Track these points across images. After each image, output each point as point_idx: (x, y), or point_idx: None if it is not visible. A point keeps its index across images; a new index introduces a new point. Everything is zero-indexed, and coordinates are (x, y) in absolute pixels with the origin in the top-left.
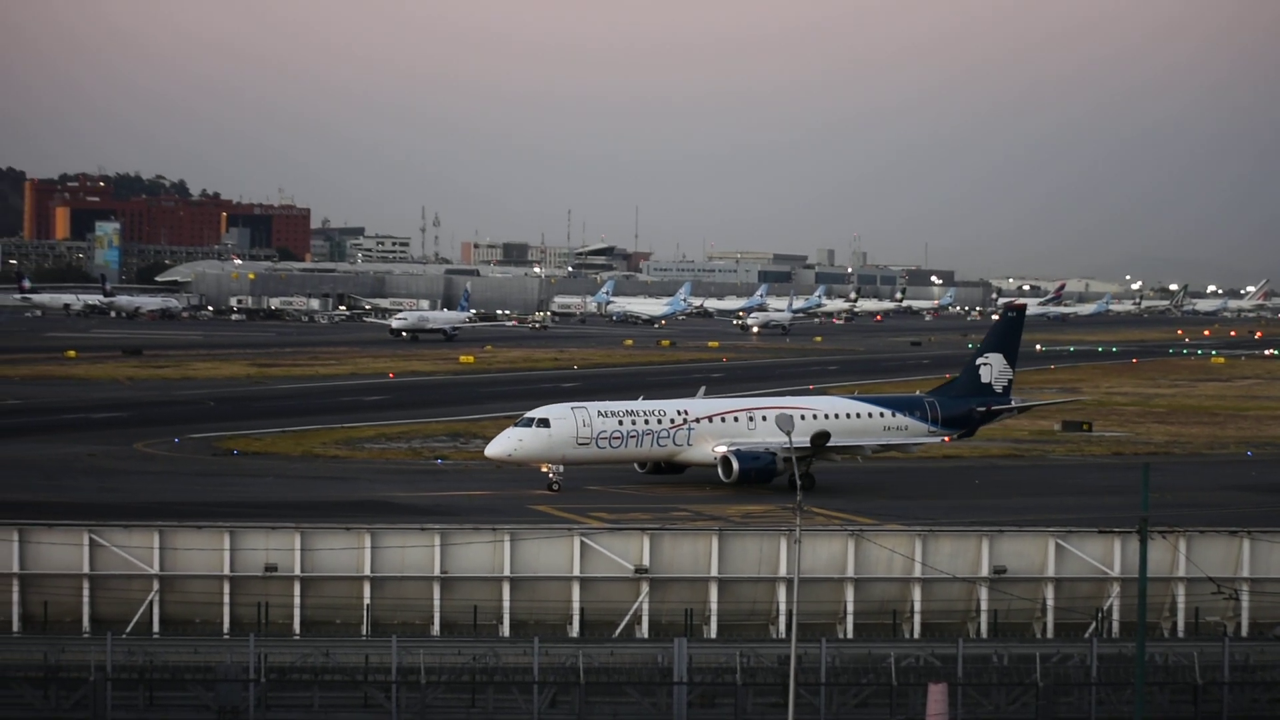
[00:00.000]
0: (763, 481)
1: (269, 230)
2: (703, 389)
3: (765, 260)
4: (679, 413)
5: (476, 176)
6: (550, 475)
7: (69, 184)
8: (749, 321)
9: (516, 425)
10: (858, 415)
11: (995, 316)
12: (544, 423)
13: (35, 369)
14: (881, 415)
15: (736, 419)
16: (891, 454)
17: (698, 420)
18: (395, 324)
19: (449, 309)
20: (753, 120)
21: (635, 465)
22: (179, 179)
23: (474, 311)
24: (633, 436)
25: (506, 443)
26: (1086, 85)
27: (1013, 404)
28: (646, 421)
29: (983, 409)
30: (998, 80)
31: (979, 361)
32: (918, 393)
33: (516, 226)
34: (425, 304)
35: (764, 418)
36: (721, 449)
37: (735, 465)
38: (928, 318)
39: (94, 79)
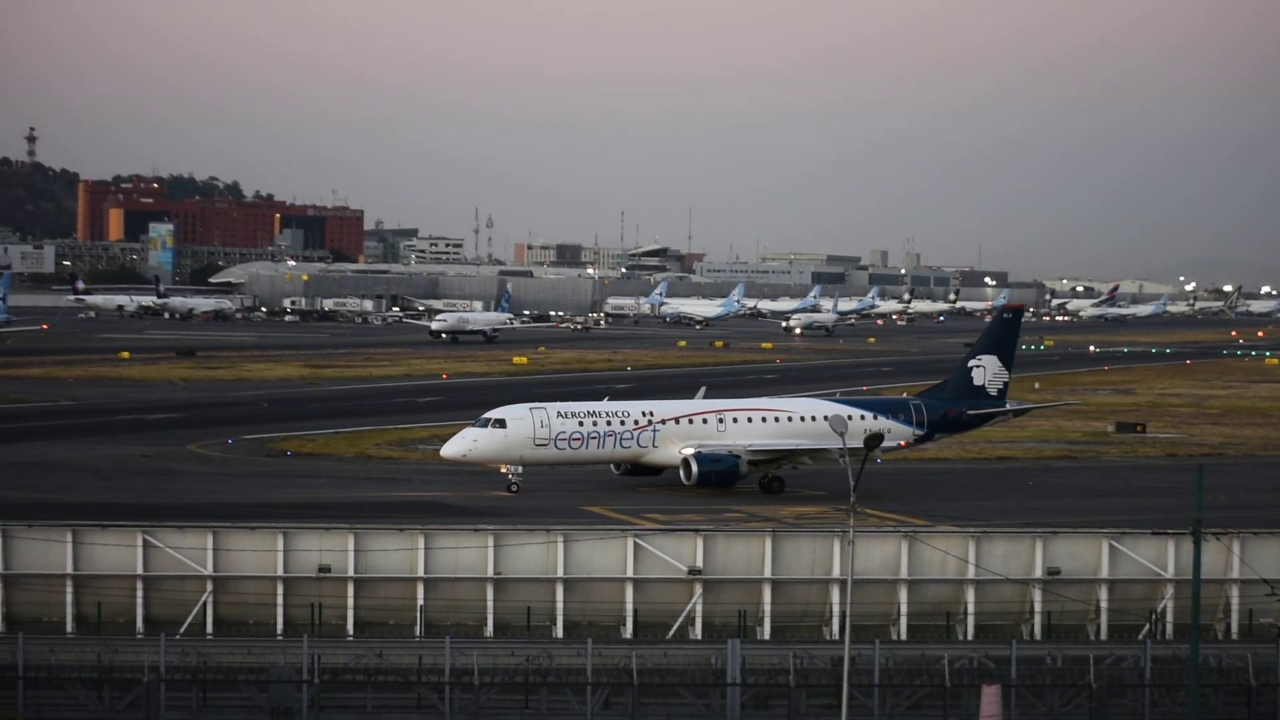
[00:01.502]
0: (724, 485)
1: (322, 232)
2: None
3: (819, 262)
4: (644, 414)
5: (530, 178)
6: (509, 476)
7: (123, 185)
8: (790, 323)
9: (473, 425)
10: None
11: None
12: (500, 423)
13: (89, 370)
14: (862, 418)
15: (705, 420)
16: (926, 454)
17: (663, 422)
18: (434, 326)
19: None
20: (806, 124)
21: (611, 466)
22: (232, 180)
23: (528, 313)
24: (594, 438)
25: (461, 443)
26: (1137, 86)
27: (1008, 407)
28: (609, 423)
29: (973, 412)
30: (1050, 84)
31: (971, 364)
32: (904, 395)
33: (570, 228)
34: (479, 305)
35: (734, 419)
36: (689, 451)
37: (694, 468)
38: (988, 319)
39: (147, 81)
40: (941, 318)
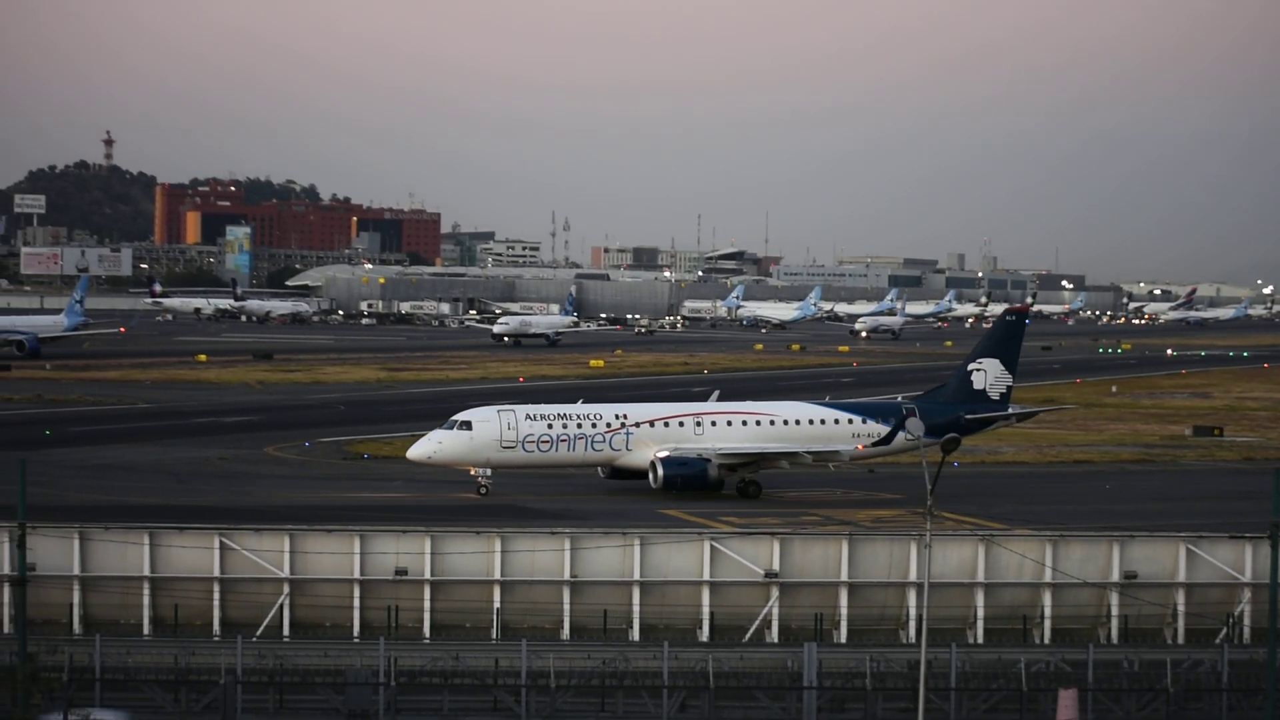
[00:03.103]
0: (692, 489)
1: (399, 235)
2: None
3: (896, 265)
4: (617, 416)
5: (606, 181)
6: (478, 479)
7: (200, 189)
8: (858, 326)
9: (441, 428)
10: (821, 421)
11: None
12: (466, 425)
13: (166, 373)
14: (850, 422)
15: (682, 424)
16: (1003, 458)
17: (637, 425)
18: (497, 329)
19: (579, 313)
20: (884, 124)
21: (598, 470)
22: (310, 183)
23: (605, 316)
24: (563, 441)
25: (427, 445)
26: (1214, 91)
27: (1010, 411)
28: (579, 425)
29: (971, 416)
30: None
31: (971, 367)
32: (898, 399)
33: (646, 231)
34: (555, 308)
35: (712, 423)
36: (665, 454)
37: (660, 471)
38: (1070, 322)
39: (225, 85)
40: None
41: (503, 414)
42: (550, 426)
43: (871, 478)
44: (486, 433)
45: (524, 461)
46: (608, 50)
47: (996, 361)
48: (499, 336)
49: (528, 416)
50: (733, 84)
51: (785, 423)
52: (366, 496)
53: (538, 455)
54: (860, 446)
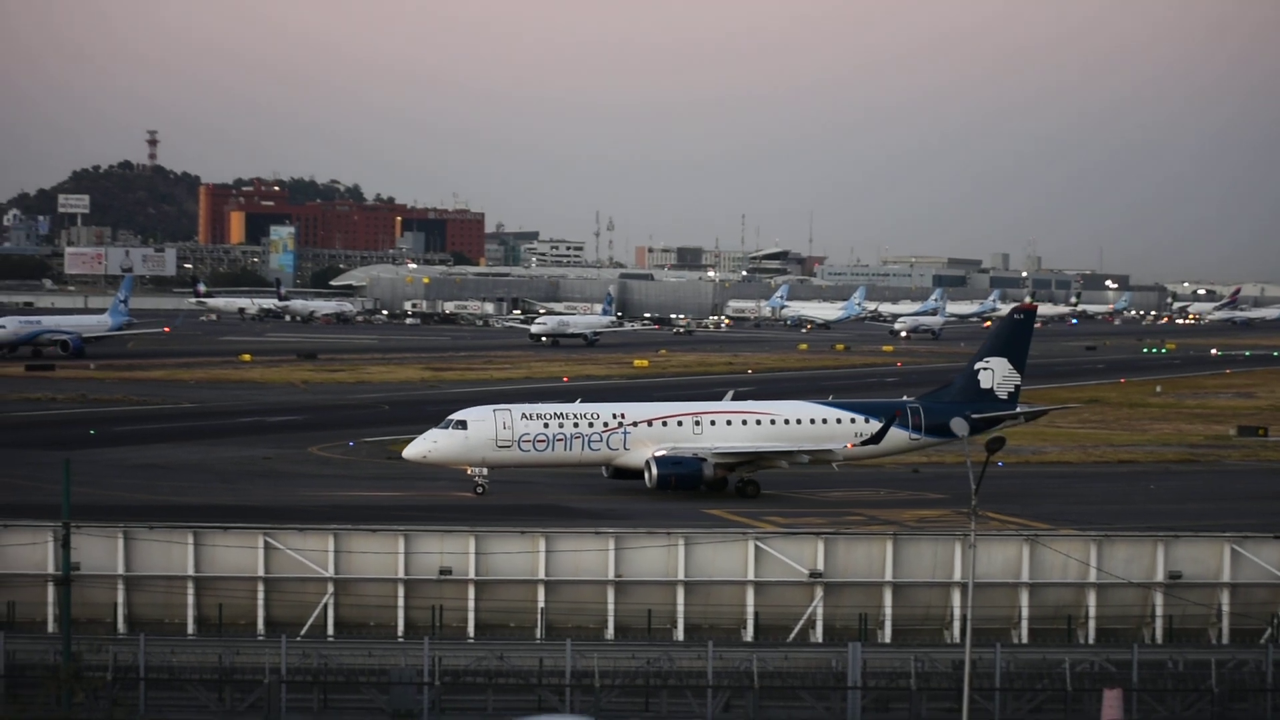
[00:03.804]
0: (686, 488)
1: (443, 235)
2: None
3: (940, 265)
4: (614, 416)
5: (650, 181)
6: (475, 478)
7: (244, 189)
8: (898, 326)
9: (436, 427)
10: (823, 421)
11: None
12: (461, 424)
13: (211, 373)
14: (853, 421)
15: (680, 423)
16: (1048, 458)
17: (635, 424)
18: (534, 329)
19: (623, 313)
20: (930, 127)
21: (602, 469)
22: (353, 184)
23: (649, 316)
24: (559, 440)
25: (423, 444)
26: (1260, 89)
27: (1018, 410)
28: (576, 425)
29: (978, 415)
30: (1169, 90)
31: (978, 366)
32: (904, 398)
33: (690, 231)
34: (599, 308)
35: (711, 422)
36: (661, 453)
37: (654, 470)
38: (1116, 322)
39: (269, 85)
40: (1074, 320)
41: (498, 413)
42: (546, 426)
43: (916, 477)
44: (482, 432)
45: (520, 461)
46: (648, 49)
47: (1004, 360)
48: (537, 336)
49: (524, 416)
50: (778, 88)
51: (786, 422)
52: (360, 495)
53: (534, 455)
54: (850, 445)
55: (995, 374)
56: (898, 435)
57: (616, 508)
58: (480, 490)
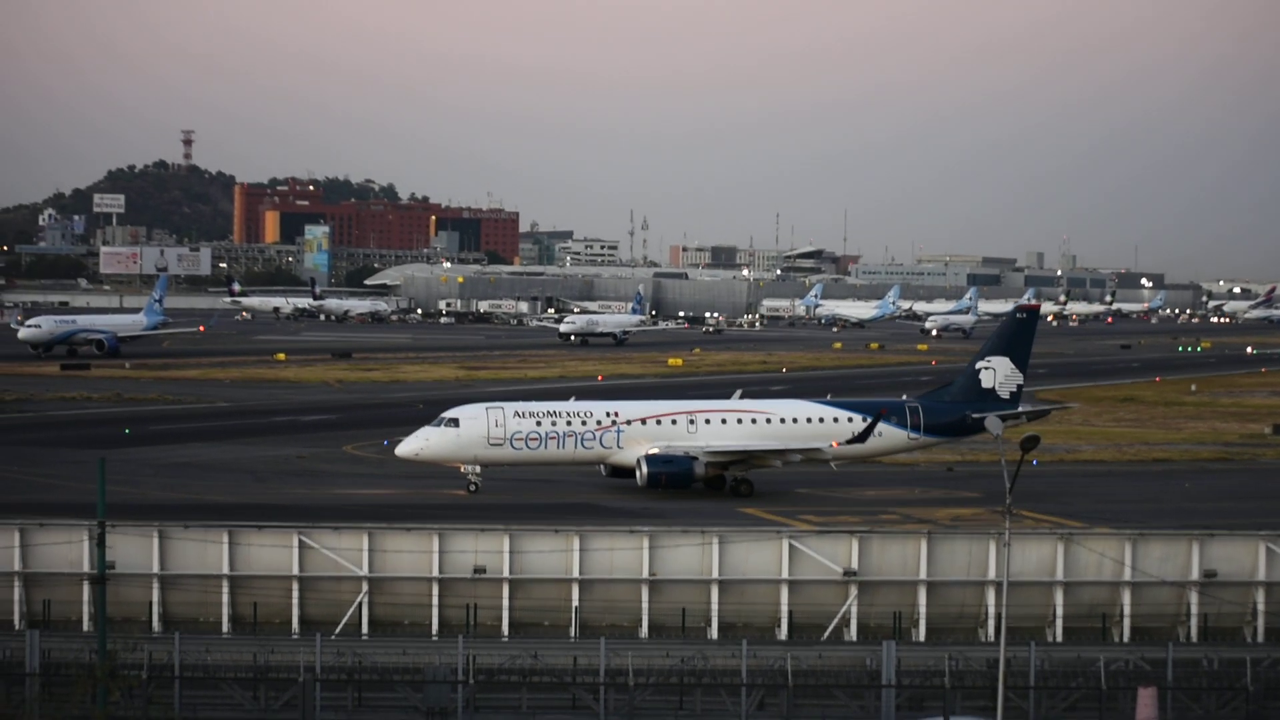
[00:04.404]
0: (677, 487)
1: (478, 234)
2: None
3: (974, 263)
4: (608, 414)
5: (684, 180)
6: (468, 476)
7: (278, 188)
8: (928, 324)
9: (429, 425)
10: (820, 420)
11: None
12: (454, 422)
13: (245, 372)
14: (850, 420)
15: (675, 421)
16: (1082, 456)
17: (629, 422)
18: (563, 328)
19: (657, 312)
20: (962, 122)
21: (600, 467)
22: (388, 183)
23: (683, 315)
24: (552, 438)
25: (415, 442)
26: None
27: (1020, 410)
28: (569, 423)
29: (978, 415)
30: (1206, 96)
31: (979, 365)
32: (904, 397)
33: (724, 230)
34: (631, 307)
35: (706, 421)
36: (654, 452)
37: (644, 469)
38: (1153, 320)
39: (304, 84)
40: (1111, 318)
41: (491, 410)
42: (539, 424)
43: (950, 476)
44: (474, 429)
45: (513, 459)
46: (685, 47)
47: (1006, 360)
48: (566, 335)
49: (516, 414)
50: (811, 83)
51: (782, 421)
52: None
53: (526, 453)
54: (835, 444)
55: (997, 373)
56: (896, 435)
57: (651, 507)
58: (473, 488)
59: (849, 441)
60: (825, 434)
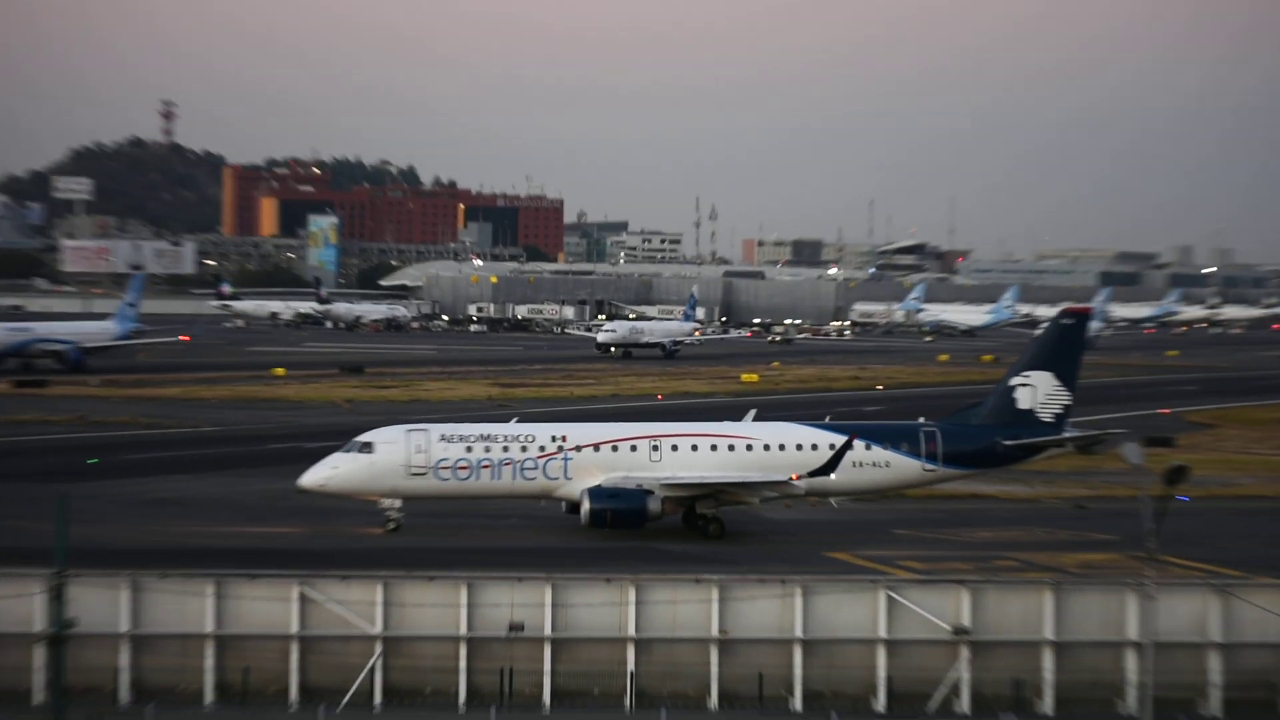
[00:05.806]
0: (626, 526)
1: (514, 225)
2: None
3: (1107, 259)
4: (553, 438)
5: (761, 163)
6: (388, 512)
7: (277, 171)
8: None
9: (340, 450)
10: (812, 447)
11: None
12: (367, 447)
13: (237, 390)
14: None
15: (634, 447)
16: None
17: (578, 448)
18: (601, 337)
19: (727, 317)
20: (1090, 99)
21: (561, 505)
22: (408, 165)
23: (758, 322)
24: (486, 467)
25: (322, 470)
26: None
27: (1065, 435)
28: (506, 449)
29: (1012, 442)
30: None
31: (1015, 381)
32: (920, 420)
33: (808, 221)
34: (700, 312)
35: (673, 447)
36: (598, 484)
37: (586, 504)
38: None
39: (306, 52)
40: (1278, 324)
41: (412, 434)
42: (470, 450)
43: (1080, 515)
44: (391, 456)
45: (438, 491)
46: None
47: (1049, 375)
48: (604, 346)
49: (443, 437)
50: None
51: (766, 448)
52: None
53: (454, 484)
54: (794, 476)
55: (1038, 391)
56: (907, 465)
57: (721, 551)
58: (392, 526)
59: (813, 473)
60: (804, 464)
